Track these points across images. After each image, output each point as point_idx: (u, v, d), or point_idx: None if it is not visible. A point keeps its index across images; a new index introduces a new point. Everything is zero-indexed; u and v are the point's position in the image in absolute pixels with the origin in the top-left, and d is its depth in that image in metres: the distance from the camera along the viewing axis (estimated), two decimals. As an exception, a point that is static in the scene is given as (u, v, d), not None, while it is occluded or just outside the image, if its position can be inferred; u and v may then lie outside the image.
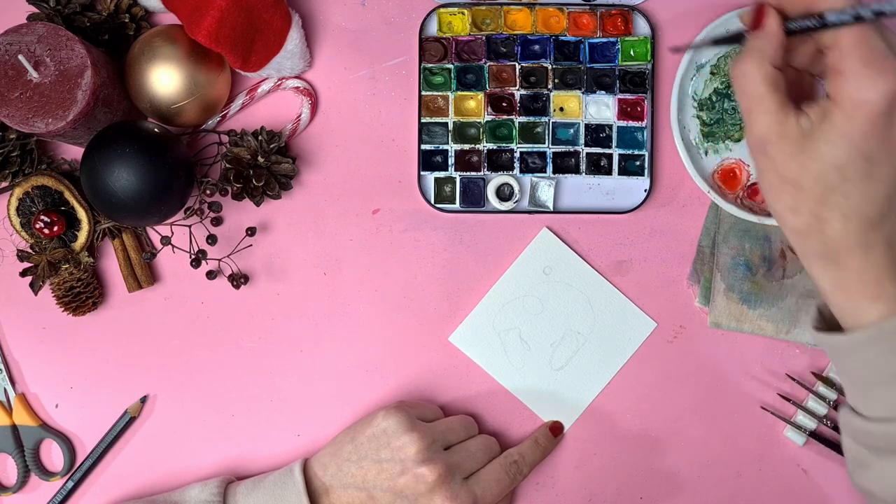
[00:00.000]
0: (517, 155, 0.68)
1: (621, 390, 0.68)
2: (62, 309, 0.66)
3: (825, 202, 0.48)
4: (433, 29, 0.69)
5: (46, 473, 0.68)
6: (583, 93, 0.68)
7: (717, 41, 0.56)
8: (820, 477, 0.68)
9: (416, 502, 0.60)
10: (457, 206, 0.68)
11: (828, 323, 0.55)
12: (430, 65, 0.68)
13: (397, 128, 0.69)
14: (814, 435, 0.68)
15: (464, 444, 0.64)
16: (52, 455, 0.69)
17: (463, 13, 0.68)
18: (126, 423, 0.68)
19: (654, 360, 0.69)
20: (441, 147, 0.68)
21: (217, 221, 0.67)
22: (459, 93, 0.68)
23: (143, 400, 0.68)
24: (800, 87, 0.54)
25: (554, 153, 0.68)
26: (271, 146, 0.65)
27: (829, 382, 0.67)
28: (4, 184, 0.66)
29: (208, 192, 0.65)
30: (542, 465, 0.68)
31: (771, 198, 0.51)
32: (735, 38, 0.54)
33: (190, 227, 0.66)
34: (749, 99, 0.49)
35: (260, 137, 0.65)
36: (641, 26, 0.69)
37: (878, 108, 0.46)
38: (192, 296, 0.69)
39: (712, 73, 0.68)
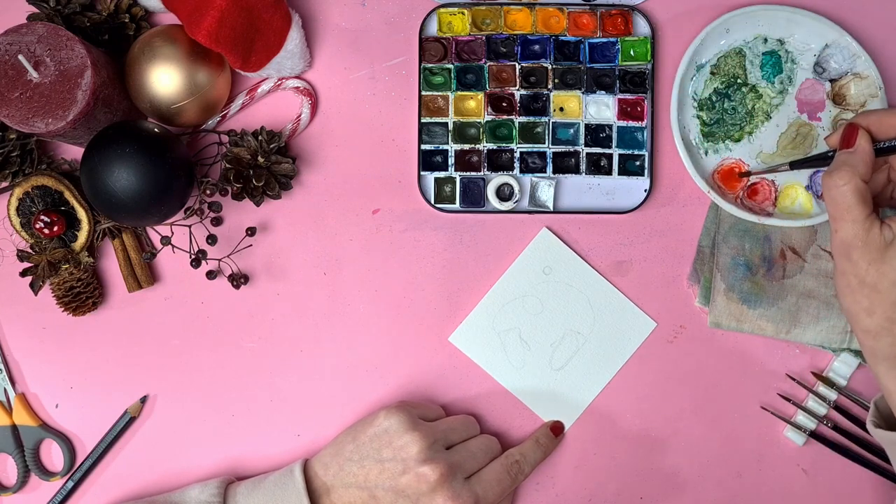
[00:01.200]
0: (517, 155, 0.68)
1: (621, 390, 0.68)
2: (62, 309, 0.66)
3: None
4: (433, 29, 0.69)
5: (46, 473, 0.68)
6: (583, 93, 0.68)
7: (794, 165, 0.62)
8: (820, 477, 0.68)
9: (417, 502, 0.60)
10: (457, 206, 0.68)
11: (884, 418, 0.59)
12: (430, 65, 0.68)
13: (397, 128, 0.69)
14: (814, 435, 0.68)
15: (465, 444, 0.64)
16: (52, 455, 0.69)
17: (463, 13, 0.68)
18: (126, 423, 0.68)
19: (654, 360, 0.69)
20: (441, 147, 0.68)
21: (217, 221, 0.67)
22: (459, 93, 0.68)
23: (143, 400, 0.68)
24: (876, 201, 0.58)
25: (554, 153, 0.68)
26: (271, 146, 0.65)
27: (829, 382, 0.67)
28: (4, 184, 0.66)
29: (208, 192, 0.65)
30: (542, 465, 0.68)
31: (848, 298, 0.55)
32: (816, 160, 0.60)
33: (190, 227, 0.66)
34: (838, 207, 0.54)
35: (260, 137, 0.65)
36: (641, 26, 0.69)
37: None
38: (192, 296, 0.69)
39: (712, 73, 0.68)
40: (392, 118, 0.69)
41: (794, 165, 0.63)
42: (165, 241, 0.65)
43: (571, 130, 0.68)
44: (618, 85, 0.68)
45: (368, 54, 0.69)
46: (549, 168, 0.68)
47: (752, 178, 0.68)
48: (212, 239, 0.66)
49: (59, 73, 0.59)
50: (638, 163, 0.68)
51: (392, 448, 0.61)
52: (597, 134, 0.68)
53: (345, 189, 0.69)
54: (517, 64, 0.68)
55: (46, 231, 0.64)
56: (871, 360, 0.56)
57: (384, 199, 0.69)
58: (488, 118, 0.68)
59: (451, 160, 0.68)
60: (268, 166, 0.65)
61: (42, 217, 0.64)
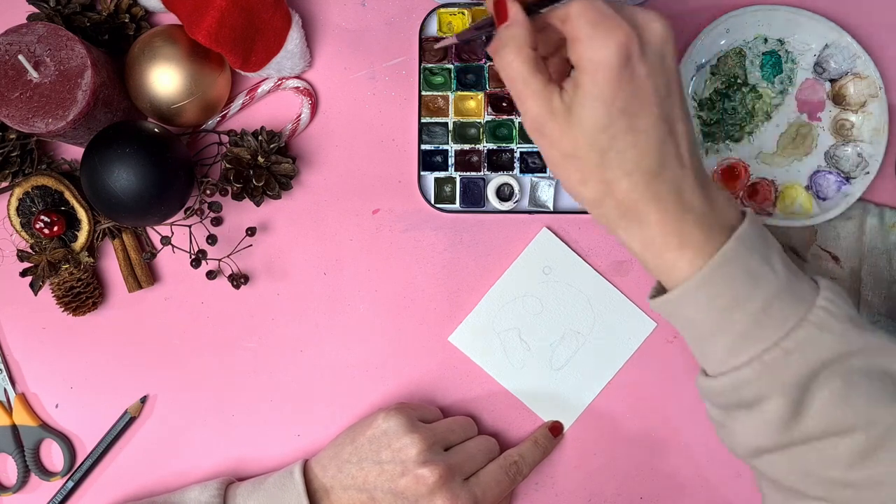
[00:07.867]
0: (517, 155, 0.68)
1: (621, 390, 0.68)
2: (62, 309, 0.66)
3: (605, 165, 0.49)
4: (433, 29, 0.68)
5: (46, 473, 0.68)
6: (583, 93, 0.68)
7: (479, 27, 0.59)
8: (820, 477, 0.68)
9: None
10: (457, 206, 0.68)
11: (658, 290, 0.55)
12: (430, 65, 0.68)
13: (397, 128, 0.69)
14: (814, 435, 0.68)
15: (463, 446, 0.64)
16: (52, 455, 0.69)
17: (463, 13, 0.68)
18: (126, 423, 0.68)
19: (654, 360, 0.69)
20: (441, 147, 0.68)
21: (217, 221, 0.67)
22: (459, 93, 0.68)
23: (143, 400, 0.68)
24: (559, 73, 0.55)
25: (554, 153, 0.68)
26: (271, 146, 0.65)
27: (828, 382, 0.67)
28: (4, 184, 0.66)
29: (208, 192, 0.65)
30: (542, 466, 0.68)
31: (561, 176, 0.52)
32: (483, 27, 0.57)
33: (190, 227, 0.66)
34: (516, 84, 0.51)
35: (260, 137, 0.65)
36: (641, 26, 0.68)
37: (615, 63, 0.47)
38: (192, 296, 0.69)
39: (712, 73, 0.68)
40: (392, 118, 0.69)
41: (480, 28, 0.59)
42: (165, 241, 0.65)
43: (571, 130, 0.68)
44: (618, 85, 0.68)
45: (368, 54, 0.69)
46: (549, 168, 0.68)
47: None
48: (212, 239, 0.66)
49: (59, 73, 0.59)
50: (638, 163, 0.68)
51: (391, 450, 0.61)
52: (597, 134, 0.68)
53: (345, 189, 0.69)
54: (517, 64, 0.68)
55: (46, 231, 0.64)
56: (611, 231, 0.52)
57: (384, 199, 0.69)
58: (488, 118, 0.68)
59: (451, 160, 0.68)
60: (268, 166, 0.65)
61: (42, 217, 0.64)
